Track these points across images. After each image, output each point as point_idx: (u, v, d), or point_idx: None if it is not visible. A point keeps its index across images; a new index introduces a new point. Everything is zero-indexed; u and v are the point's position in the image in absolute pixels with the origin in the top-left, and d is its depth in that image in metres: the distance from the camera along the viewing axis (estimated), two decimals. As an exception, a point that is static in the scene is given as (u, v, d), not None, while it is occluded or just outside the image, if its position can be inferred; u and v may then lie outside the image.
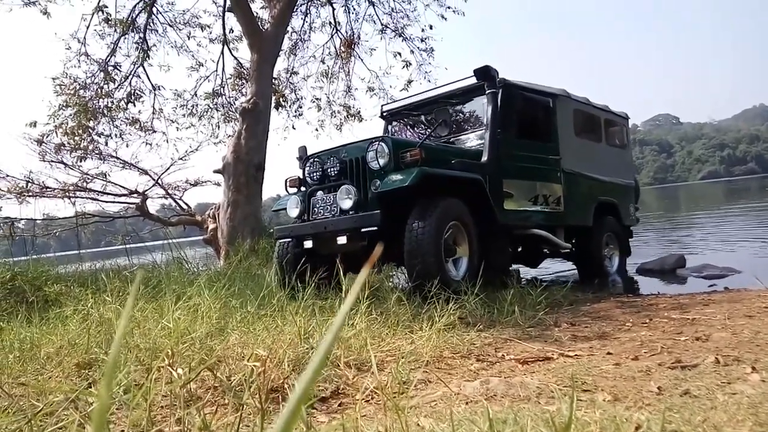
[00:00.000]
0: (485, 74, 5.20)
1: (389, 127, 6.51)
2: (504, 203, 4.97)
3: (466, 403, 1.82)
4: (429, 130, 5.70)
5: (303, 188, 5.01)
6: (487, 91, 5.21)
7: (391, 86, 11.96)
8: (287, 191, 5.25)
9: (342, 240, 4.31)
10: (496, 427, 1.16)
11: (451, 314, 3.07)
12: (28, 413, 1.39)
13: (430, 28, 11.19)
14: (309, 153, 5.06)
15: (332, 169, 4.70)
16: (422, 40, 11.31)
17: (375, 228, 4.11)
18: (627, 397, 1.85)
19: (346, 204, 4.39)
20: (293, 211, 4.90)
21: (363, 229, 4.17)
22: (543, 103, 5.76)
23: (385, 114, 6.55)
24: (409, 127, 6.46)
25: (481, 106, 5.46)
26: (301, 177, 5.03)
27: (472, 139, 5.47)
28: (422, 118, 6.29)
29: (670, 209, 24.26)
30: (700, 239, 9.77)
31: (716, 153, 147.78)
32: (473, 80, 5.34)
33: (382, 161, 4.34)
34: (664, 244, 9.60)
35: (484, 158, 4.95)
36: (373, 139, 4.52)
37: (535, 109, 5.68)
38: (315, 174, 4.83)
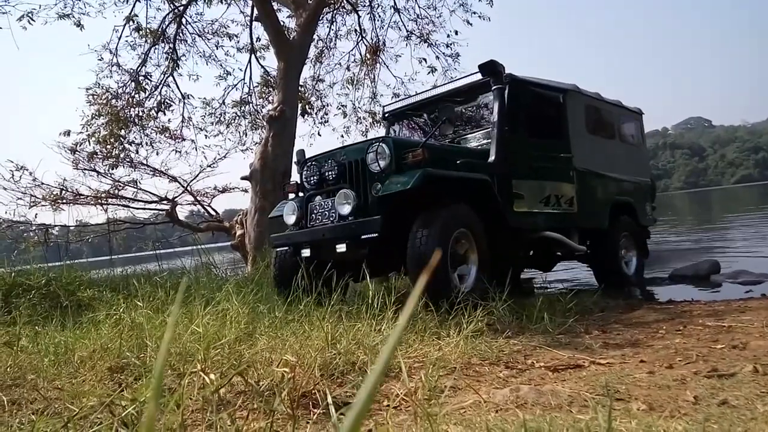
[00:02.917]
0: (491, 69, 4.93)
1: (392, 129, 6.25)
2: (514, 205, 4.72)
3: (496, 411, 1.79)
4: (433, 129, 5.38)
5: (301, 193, 4.78)
6: (493, 87, 4.93)
7: (416, 92, 11.94)
8: (286, 198, 5.03)
9: (341, 248, 4.05)
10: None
11: (479, 321, 3.04)
12: (65, 416, 1.42)
13: (456, 33, 11.16)
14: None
15: (330, 173, 4.46)
16: (447, 46, 11.28)
17: (376, 235, 3.85)
18: (662, 407, 1.80)
19: (345, 209, 4.15)
20: (290, 218, 4.65)
21: (363, 236, 3.91)
22: (553, 99, 5.48)
23: (387, 115, 6.28)
24: (413, 128, 6.19)
25: (487, 104, 5.21)
26: (299, 181, 4.81)
27: (478, 138, 5.19)
28: (427, 117, 5.98)
29: (702, 214, 23.69)
30: (735, 244, 9.52)
31: (750, 156, 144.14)
32: (479, 76, 5.08)
33: (383, 163, 4.09)
34: (698, 249, 9.37)
35: (492, 158, 4.69)
36: (373, 140, 4.31)
37: (544, 105, 5.41)
38: (312, 178, 4.60)
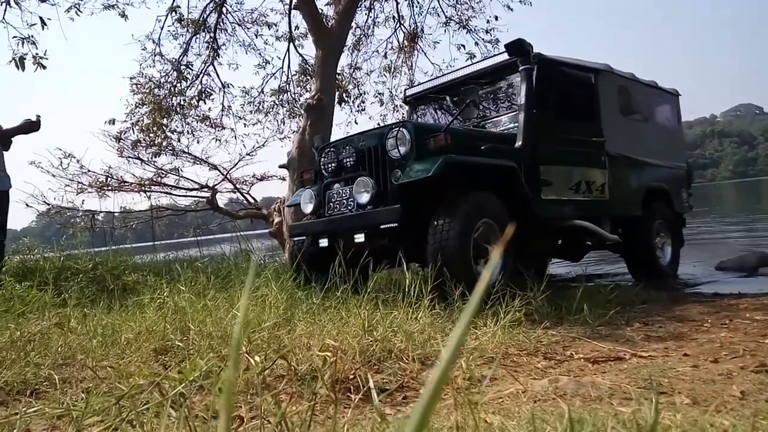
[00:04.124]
0: (518, 49, 4.66)
1: (414, 114, 6.02)
2: (542, 192, 4.50)
3: (535, 401, 1.78)
4: (456, 112, 5.15)
5: (320, 181, 4.66)
6: (520, 68, 4.65)
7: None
8: (303, 184, 4.91)
9: (360, 238, 3.91)
10: (575, 428, 1.13)
11: (517, 311, 3.01)
12: (115, 394, 1.47)
13: (496, 19, 10.97)
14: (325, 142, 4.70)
15: (348, 160, 4.31)
16: (487, 32, 11.10)
17: (395, 225, 3.70)
18: (707, 401, 1.75)
19: (363, 198, 4.03)
20: (307, 207, 4.55)
21: (382, 226, 3.77)
22: (584, 80, 5.19)
23: (409, 99, 6.07)
24: (436, 112, 5.93)
25: (514, 85, 4.96)
26: (317, 169, 4.69)
27: (504, 122, 4.91)
28: (451, 101, 5.72)
29: (751, 205, 22.86)
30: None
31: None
32: (505, 56, 4.85)
33: (403, 149, 3.92)
34: (745, 240, 9.05)
35: (519, 143, 4.44)
36: (393, 125, 4.14)
37: (574, 86, 5.13)
38: (330, 165, 4.45)
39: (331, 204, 4.42)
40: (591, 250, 6.01)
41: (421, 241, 3.78)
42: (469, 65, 5.51)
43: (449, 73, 5.72)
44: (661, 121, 6.44)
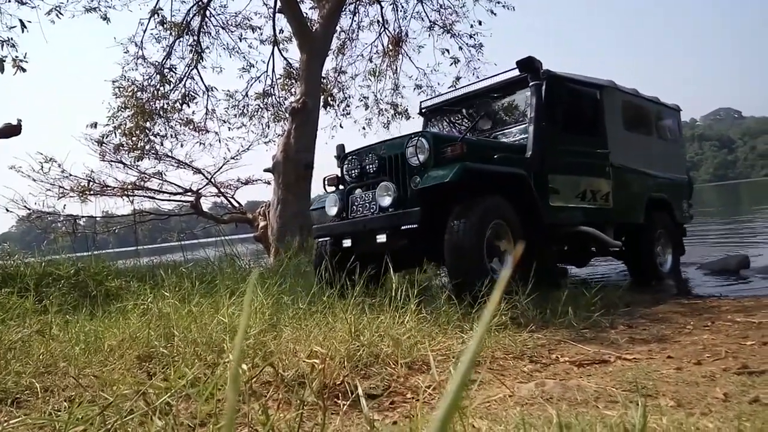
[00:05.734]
0: (528, 66, 5.00)
1: (429, 124, 6.39)
2: (550, 200, 4.79)
3: (522, 406, 1.78)
4: (471, 124, 5.50)
5: (342, 186, 4.98)
6: (530, 84, 5.01)
7: (438, 83, 11.89)
8: (326, 190, 5.22)
9: (381, 238, 4.20)
10: (562, 433, 1.13)
11: (503, 314, 3.02)
12: (99, 404, 1.45)
13: (479, 24, 11.07)
14: (348, 151, 5.02)
15: (371, 166, 4.63)
16: (471, 36, 11.20)
17: (415, 226, 4.01)
18: (691, 404, 1.77)
19: (385, 201, 4.32)
20: (332, 210, 4.84)
21: (403, 227, 4.08)
22: (590, 95, 5.51)
23: (424, 110, 6.43)
24: (449, 124, 6.32)
25: (524, 100, 5.27)
26: (339, 175, 5.00)
27: (515, 134, 5.24)
28: (463, 113, 6.11)
29: (731, 206, 23.22)
30: (765, 237, 9.31)
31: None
32: (516, 72, 5.16)
33: (422, 157, 4.23)
34: (726, 243, 9.19)
35: (529, 153, 4.77)
36: (412, 135, 4.41)
37: (581, 101, 5.42)
38: (353, 171, 4.78)
39: (354, 207, 4.70)
40: (595, 256, 6.26)
41: (438, 241, 4.04)
42: (482, 80, 5.86)
43: (464, 87, 6.09)
44: (663, 135, 6.71)
